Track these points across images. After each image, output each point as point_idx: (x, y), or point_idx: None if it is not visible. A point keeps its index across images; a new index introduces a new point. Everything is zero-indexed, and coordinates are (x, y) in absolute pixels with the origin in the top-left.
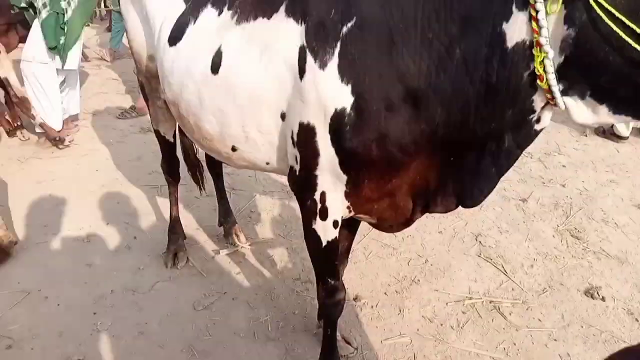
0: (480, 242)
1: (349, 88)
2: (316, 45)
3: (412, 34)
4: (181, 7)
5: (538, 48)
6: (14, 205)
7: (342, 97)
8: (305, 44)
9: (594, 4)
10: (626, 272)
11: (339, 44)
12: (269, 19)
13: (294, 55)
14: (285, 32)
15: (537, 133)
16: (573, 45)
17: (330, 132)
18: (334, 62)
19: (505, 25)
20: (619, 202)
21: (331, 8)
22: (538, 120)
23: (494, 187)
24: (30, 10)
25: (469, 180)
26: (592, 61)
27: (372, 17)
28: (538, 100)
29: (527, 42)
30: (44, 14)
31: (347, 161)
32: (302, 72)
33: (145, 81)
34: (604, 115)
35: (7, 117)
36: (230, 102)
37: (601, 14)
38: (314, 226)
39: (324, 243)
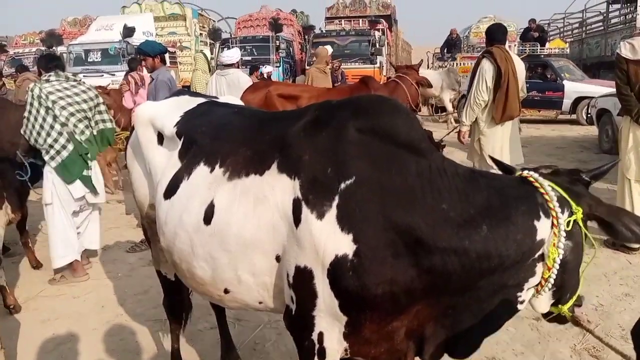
0: None
1: (350, 236)
2: (312, 197)
3: (421, 200)
4: (177, 164)
5: (554, 248)
6: (18, 347)
7: (343, 244)
8: (300, 196)
9: (584, 231)
10: None
11: (337, 197)
12: (261, 175)
13: (289, 206)
14: (278, 186)
15: (518, 310)
16: (570, 253)
17: (329, 276)
18: (332, 214)
19: (536, 223)
20: (637, 316)
21: (326, 167)
22: (522, 302)
23: (479, 346)
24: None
25: (459, 338)
26: (572, 268)
27: (373, 179)
28: (530, 284)
29: (545, 240)
30: (58, 158)
31: (348, 304)
32: (297, 221)
33: (147, 226)
34: (543, 307)
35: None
36: (223, 249)
37: (587, 236)
38: None
39: None
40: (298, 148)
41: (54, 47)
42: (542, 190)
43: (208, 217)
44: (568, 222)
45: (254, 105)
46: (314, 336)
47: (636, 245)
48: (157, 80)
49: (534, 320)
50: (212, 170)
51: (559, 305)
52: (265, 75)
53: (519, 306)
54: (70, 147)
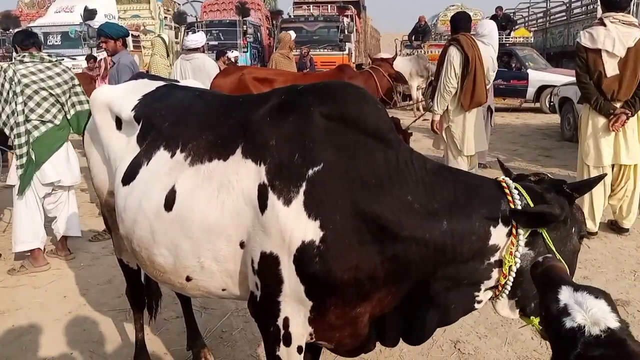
0: (459, 349)
1: (317, 223)
2: (279, 183)
3: (387, 190)
4: (135, 149)
5: (511, 256)
6: None
7: (310, 230)
8: (266, 182)
9: (548, 242)
10: None
11: (304, 184)
12: (224, 160)
13: (254, 192)
14: (243, 172)
15: (475, 308)
16: (529, 262)
17: (295, 262)
18: (299, 200)
19: (492, 229)
20: None
21: (294, 153)
22: (480, 302)
23: (432, 334)
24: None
25: (415, 325)
26: (528, 281)
27: (341, 166)
28: (485, 285)
29: (499, 247)
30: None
31: (314, 289)
32: (263, 207)
33: (108, 214)
34: (512, 313)
35: None
36: (185, 235)
37: (551, 247)
38: (277, 353)
39: None
40: (264, 133)
41: (10, 30)
42: (509, 198)
43: (169, 203)
44: (528, 232)
45: (226, 89)
46: (279, 322)
47: (594, 229)
48: (119, 64)
49: None
50: (172, 155)
51: (530, 317)
52: (232, 60)
53: (476, 305)
54: (23, 139)
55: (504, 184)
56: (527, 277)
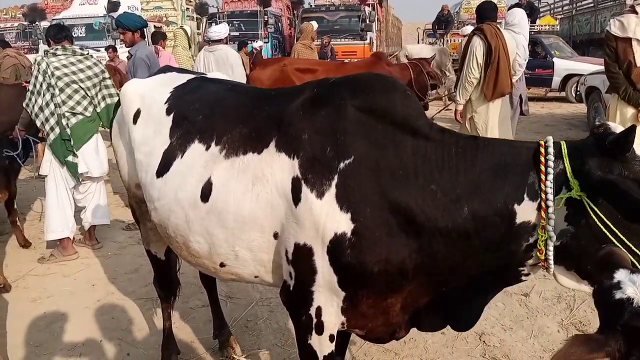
0: (484, 341)
1: (348, 215)
2: (312, 177)
3: (413, 180)
4: (167, 141)
5: (543, 231)
6: (9, 325)
7: (342, 223)
8: (299, 175)
9: (591, 213)
10: None
11: (336, 177)
12: (259, 153)
13: (287, 185)
14: (277, 165)
15: (522, 281)
16: (570, 238)
17: (328, 253)
18: (331, 193)
19: (517, 207)
20: None
21: (326, 146)
22: (527, 274)
23: (481, 314)
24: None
25: (459, 309)
26: (582, 253)
27: (370, 159)
28: (530, 262)
29: (532, 223)
30: (52, 136)
31: (346, 280)
32: (296, 200)
33: (136, 205)
34: (585, 287)
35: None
36: (220, 226)
37: (597, 221)
38: (309, 341)
39: (320, 358)
40: (297, 126)
41: (36, 22)
42: (541, 167)
43: (205, 195)
44: (560, 200)
45: (265, 80)
46: (312, 311)
47: None
48: (135, 57)
49: (523, 297)
50: (207, 148)
51: None
52: (257, 49)
53: (523, 278)
54: (57, 130)
55: (542, 149)
56: (574, 248)
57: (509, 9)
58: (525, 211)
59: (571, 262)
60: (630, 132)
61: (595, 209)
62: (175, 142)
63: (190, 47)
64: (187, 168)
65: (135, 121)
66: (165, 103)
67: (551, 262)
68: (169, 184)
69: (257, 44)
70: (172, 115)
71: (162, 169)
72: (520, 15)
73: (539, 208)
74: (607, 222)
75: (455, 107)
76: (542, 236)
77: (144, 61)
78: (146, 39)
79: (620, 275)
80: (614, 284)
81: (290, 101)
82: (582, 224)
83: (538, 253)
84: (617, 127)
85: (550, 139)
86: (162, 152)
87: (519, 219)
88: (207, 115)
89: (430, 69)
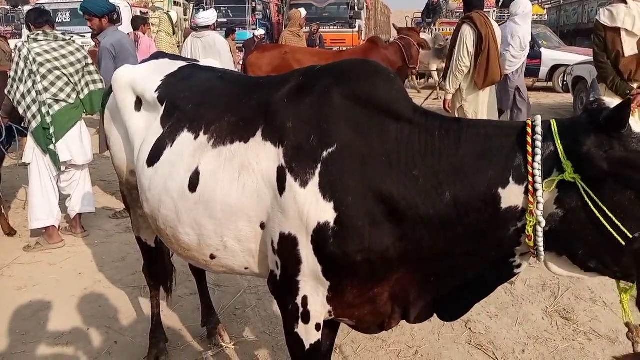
0: (470, 328)
1: (331, 204)
2: (296, 165)
3: (395, 167)
4: (159, 130)
5: (532, 216)
6: None
7: (325, 212)
8: (284, 164)
9: (585, 196)
10: (618, 351)
11: (319, 166)
12: (246, 142)
13: (273, 174)
14: (263, 154)
15: (515, 274)
16: (560, 222)
17: (312, 242)
18: (314, 182)
19: (501, 191)
20: (606, 279)
21: (310, 134)
22: (518, 266)
23: (471, 308)
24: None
25: (447, 301)
26: (574, 237)
27: (353, 146)
28: (520, 250)
29: (520, 207)
30: (33, 124)
31: (330, 269)
32: (281, 189)
33: (127, 192)
34: (576, 271)
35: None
36: (208, 216)
37: (590, 204)
38: (296, 330)
39: (307, 346)
40: (282, 115)
41: (18, 7)
42: (528, 149)
43: (193, 184)
44: (552, 183)
45: (263, 65)
46: (298, 300)
47: None
48: (101, 47)
49: (508, 284)
50: (196, 137)
51: (629, 286)
52: (257, 38)
53: (516, 270)
54: (39, 118)
55: (528, 129)
56: (565, 233)
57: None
58: (511, 195)
59: (562, 248)
60: (625, 106)
61: (590, 191)
62: (165, 131)
63: (174, 33)
64: (177, 157)
65: (128, 108)
66: (156, 91)
67: (541, 249)
68: (159, 173)
69: (258, 32)
70: (164, 104)
71: (153, 158)
72: (524, 5)
73: (527, 192)
74: (602, 205)
75: (444, 96)
76: (530, 221)
77: (109, 51)
78: (116, 25)
79: None
80: None
81: (277, 90)
82: (574, 207)
83: (527, 240)
84: (612, 102)
85: (539, 118)
86: (154, 141)
87: (504, 204)
88: (197, 103)
89: (420, 39)
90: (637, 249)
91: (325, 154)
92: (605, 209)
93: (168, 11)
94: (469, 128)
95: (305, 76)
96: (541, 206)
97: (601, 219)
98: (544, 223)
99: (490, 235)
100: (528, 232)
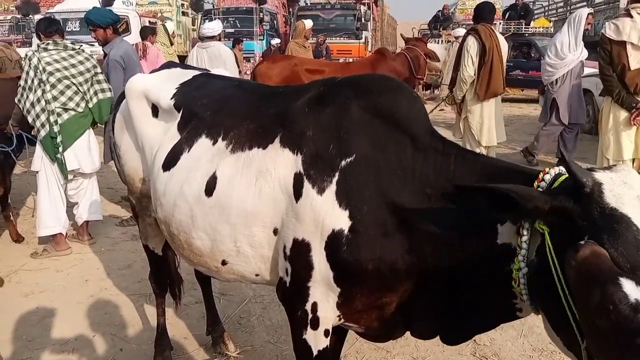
0: (475, 340)
1: (347, 212)
2: (314, 173)
3: (410, 182)
4: (176, 136)
5: (517, 260)
6: (1, 320)
7: (340, 219)
8: (301, 171)
9: (547, 248)
10: None
11: (337, 174)
12: (264, 148)
13: (290, 180)
14: (281, 160)
15: (518, 317)
16: (534, 273)
17: (326, 249)
18: (331, 189)
19: (499, 226)
20: None
21: (329, 143)
22: (520, 310)
23: (472, 337)
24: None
25: (449, 325)
26: (544, 295)
27: (371, 158)
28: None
29: (513, 247)
30: (42, 132)
31: (343, 276)
32: (297, 195)
33: (136, 201)
34: (558, 343)
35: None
36: (224, 220)
37: (549, 256)
38: (304, 336)
39: (315, 353)
40: (302, 123)
41: (29, 16)
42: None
43: (210, 189)
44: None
45: (273, 75)
46: (308, 306)
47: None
48: (109, 58)
49: None
50: (214, 143)
51: None
52: (274, 47)
53: (518, 313)
54: (48, 127)
55: (541, 175)
56: (537, 289)
57: (504, 11)
58: (506, 233)
59: (538, 303)
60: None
61: (549, 243)
62: (183, 137)
63: (171, 44)
64: (194, 162)
65: (142, 116)
66: (172, 98)
67: (524, 296)
68: (175, 178)
69: (274, 41)
70: (180, 111)
71: (170, 163)
72: (577, 11)
73: (518, 233)
74: (554, 257)
75: (455, 102)
76: (515, 264)
77: (118, 63)
78: (121, 36)
79: (629, 288)
80: (633, 304)
81: (297, 99)
82: (542, 256)
83: (513, 283)
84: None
85: (555, 170)
86: (171, 147)
87: (500, 239)
88: (215, 111)
89: (427, 49)
90: (578, 263)
91: (343, 163)
92: (555, 261)
93: (164, 22)
94: (485, 161)
95: (327, 86)
96: (524, 252)
97: (553, 271)
98: (525, 270)
99: (487, 267)
100: (514, 275)
